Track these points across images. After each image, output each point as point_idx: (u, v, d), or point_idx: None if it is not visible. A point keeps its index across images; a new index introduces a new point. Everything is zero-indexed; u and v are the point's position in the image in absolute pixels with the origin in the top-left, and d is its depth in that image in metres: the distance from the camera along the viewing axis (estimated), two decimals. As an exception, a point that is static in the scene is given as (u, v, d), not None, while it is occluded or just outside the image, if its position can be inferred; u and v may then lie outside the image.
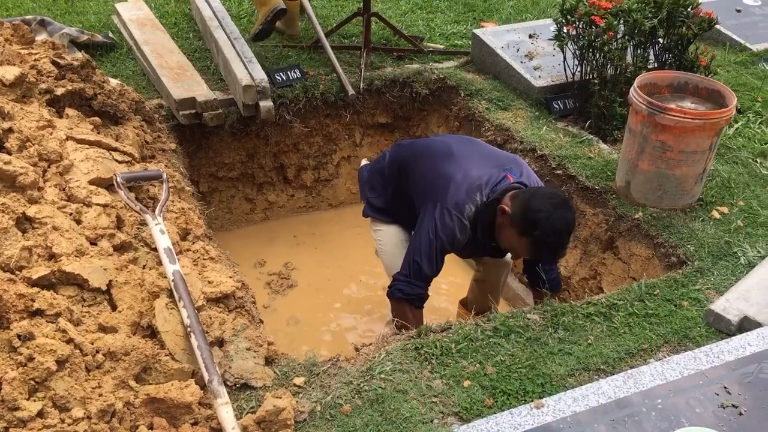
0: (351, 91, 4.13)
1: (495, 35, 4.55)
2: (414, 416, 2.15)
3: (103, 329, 2.07)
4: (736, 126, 3.83)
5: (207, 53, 4.40)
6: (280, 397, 2.11)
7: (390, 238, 3.02)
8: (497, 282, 3.26)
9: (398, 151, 3.00)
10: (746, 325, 2.43)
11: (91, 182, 2.55)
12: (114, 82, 3.41)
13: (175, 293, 2.22)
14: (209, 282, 2.45)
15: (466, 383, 2.27)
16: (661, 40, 3.80)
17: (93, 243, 2.32)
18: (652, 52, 3.88)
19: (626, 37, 3.71)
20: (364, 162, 3.26)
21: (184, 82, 3.88)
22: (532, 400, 2.09)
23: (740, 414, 1.92)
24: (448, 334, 2.48)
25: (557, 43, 3.82)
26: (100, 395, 1.91)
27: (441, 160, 2.74)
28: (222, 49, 4.05)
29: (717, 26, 4.27)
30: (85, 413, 1.85)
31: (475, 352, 2.40)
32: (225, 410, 1.97)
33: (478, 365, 2.35)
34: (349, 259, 4.25)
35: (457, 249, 2.76)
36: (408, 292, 2.72)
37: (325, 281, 4.07)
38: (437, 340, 2.44)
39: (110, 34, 4.50)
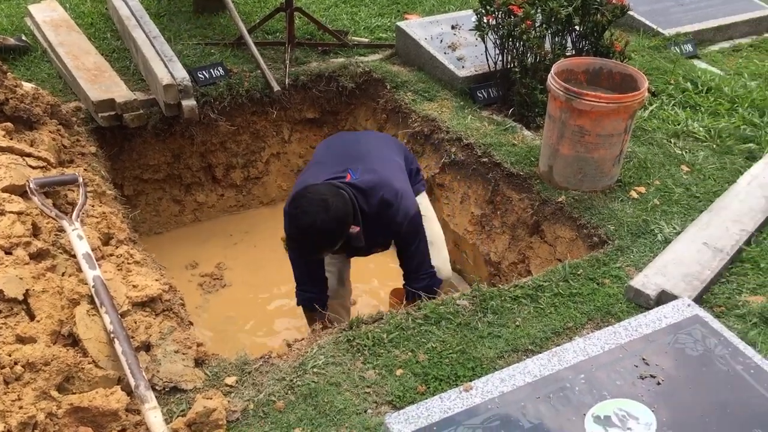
0: (276, 88, 4.10)
1: (418, 27, 4.59)
2: (348, 408, 2.16)
3: (21, 340, 2.00)
4: (650, 108, 3.97)
5: (126, 53, 4.29)
6: (211, 398, 2.08)
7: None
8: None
9: None
10: (664, 298, 2.53)
11: (4, 189, 2.46)
12: (28, 86, 3.29)
13: (96, 299, 2.16)
14: (134, 286, 2.40)
15: (399, 372, 2.30)
16: (577, 27, 3.91)
17: (8, 252, 2.23)
18: (569, 40, 3.98)
19: (544, 26, 3.80)
20: None
21: (102, 84, 3.78)
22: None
23: (658, 384, 2.00)
24: (379, 324, 2.50)
25: (478, 33, 3.88)
26: (21, 408, 1.85)
27: (308, 168, 2.93)
28: (141, 49, 3.95)
29: (630, 12, 4.44)
30: (5, 427, 1.79)
31: (407, 341, 2.42)
32: (153, 415, 1.94)
33: (410, 353, 2.37)
34: (282, 256, 4.22)
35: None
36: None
37: (258, 280, 4.04)
38: (369, 331, 2.46)
39: (23, 37, 4.33)
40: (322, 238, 2.54)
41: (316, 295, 2.96)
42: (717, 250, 2.77)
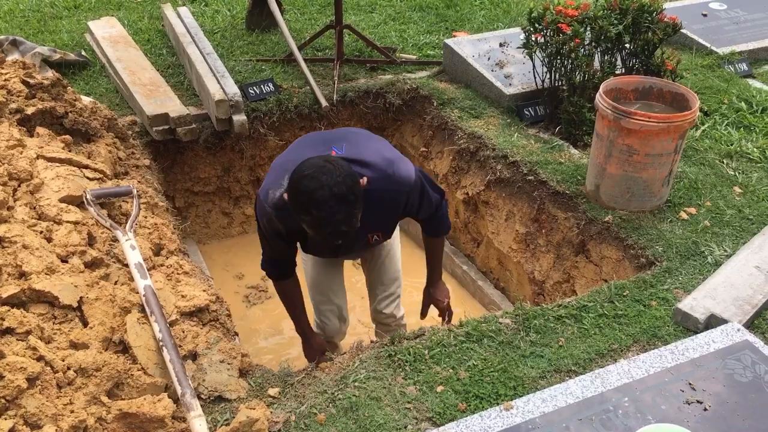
0: (324, 103, 4.17)
1: (467, 44, 4.60)
2: (388, 423, 2.17)
3: (74, 346, 2.07)
4: (702, 128, 3.90)
5: (180, 69, 4.42)
6: (254, 408, 2.12)
7: (312, 272, 2.95)
8: (381, 265, 2.99)
9: None
10: (713, 322, 2.48)
11: (62, 200, 2.55)
12: (86, 100, 3.43)
13: (146, 308, 2.23)
14: (183, 296, 2.47)
15: (440, 388, 2.30)
16: (627, 45, 3.87)
17: (64, 260, 2.32)
18: (619, 58, 3.95)
19: (593, 44, 3.78)
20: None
21: (157, 98, 3.90)
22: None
23: (705, 410, 1.96)
24: (421, 340, 2.51)
25: (526, 51, 3.88)
26: (72, 412, 1.91)
27: (284, 154, 2.51)
28: (195, 65, 4.07)
29: (683, 30, 4.37)
30: (56, 430, 1.85)
31: (448, 358, 2.42)
32: (198, 423, 1.98)
33: (451, 370, 2.37)
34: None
35: (287, 235, 2.46)
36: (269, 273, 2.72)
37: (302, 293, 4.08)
38: (410, 347, 2.46)
39: (83, 53, 4.51)
40: (343, 203, 2.05)
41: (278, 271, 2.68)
42: (770, 274, 2.70)
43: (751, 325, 2.50)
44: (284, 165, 2.34)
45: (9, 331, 1.97)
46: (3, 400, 1.83)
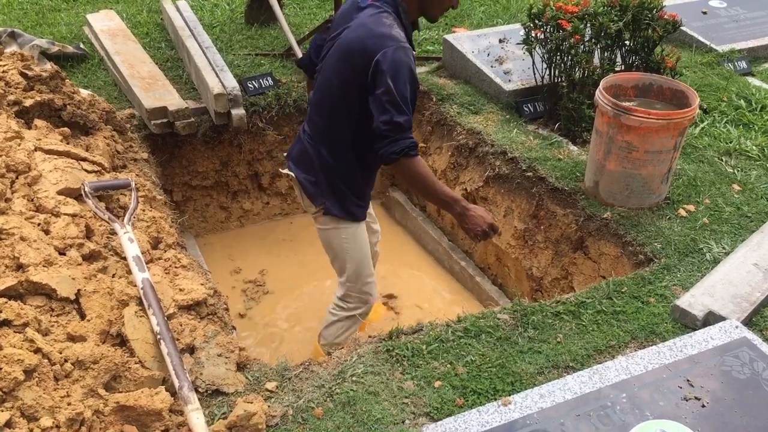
0: (323, 98, 4.15)
1: (466, 40, 4.60)
2: (385, 417, 2.16)
3: (71, 338, 2.07)
4: (701, 125, 3.90)
5: (179, 63, 4.40)
6: (252, 402, 2.11)
7: (358, 242, 2.96)
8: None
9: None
10: (711, 319, 2.48)
11: (60, 192, 2.55)
12: (85, 93, 3.41)
13: (144, 301, 2.22)
14: (180, 290, 2.46)
15: (437, 384, 2.30)
16: (627, 42, 3.87)
17: (62, 253, 2.32)
18: (619, 55, 3.94)
19: (593, 40, 3.77)
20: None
21: (155, 92, 3.89)
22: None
23: (702, 406, 1.96)
24: (419, 335, 2.51)
25: (526, 47, 3.88)
26: (69, 404, 1.91)
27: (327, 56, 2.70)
28: (194, 59, 4.06)
29: (683, 28, 4.37)
30: (53, 422, 1.85)
31: (446, 353, 2.42)
32: (196, 416, 1.97)
33: (448, 366, 2.37)
34: (324, 265, 4.26)
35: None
36: (412, 143, 2.54)
37: (300, 287, 4.09)
38: (408, 342, 2.46)
39: (81, 45, 4.49)
40: None
41: None
42: (768, 271, 2.70)
43: (749, 322, 2.50)
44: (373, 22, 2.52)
45: (6, 323, 1.97)
46: (0, 392, 1.82)
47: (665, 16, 3.80)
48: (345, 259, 2.97)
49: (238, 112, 3.85)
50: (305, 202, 2.93)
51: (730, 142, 3.74)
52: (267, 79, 4.22)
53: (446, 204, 2.68)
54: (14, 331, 1.96)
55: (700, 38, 4.98)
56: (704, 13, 5.33)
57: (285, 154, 3.02)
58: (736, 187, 3.37)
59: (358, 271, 2.99)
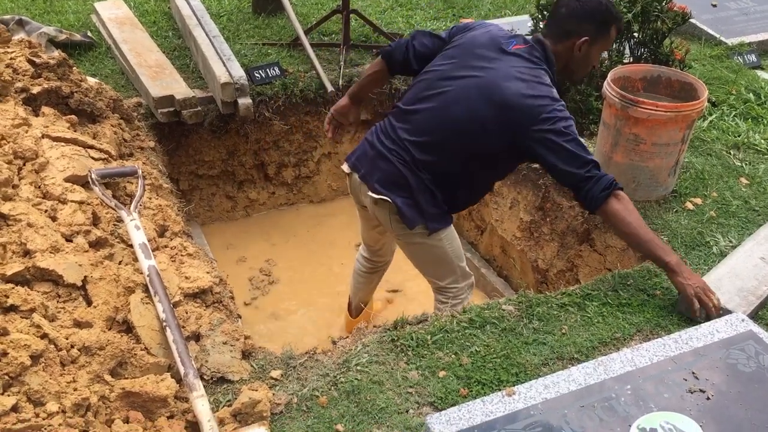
0: (330, 88, 4.15)
1: (473, 31, 4.57)
2: (389, 407, 2.17)
3: (78, 324, 2.07)
4: (710, 119, 3.88)
5: (186, 52, 4.40)
6: (256, 390, 2.12)
7: (455, 237, 2.84)
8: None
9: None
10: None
11: (67, 179, 2.55)
12: (92, 81, 3.41)
13: (150, 288, 2.23)
14: (186, 277, 2.47)
15: (442, 374, 2.30)
16: (636, 34, 3.84)
17: (68, 239, 2.32)
18: (627, 47, 3.92)
19: (601, 32, 3.74)
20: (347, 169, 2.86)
21: (162, 81, 3.89)
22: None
23: (707, 399, 1.96)
24: (424, 326, 2.51)
25: (534, 38, 3.85)
26: (75, 389, 1.92)
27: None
28: (201, 47, 4.05)
29: (692, 21, 4.34)
30: (59, 407, 1.86)
31: (451, 344, 2.42)
32: (201, 403, 1.98)
33: (453, 356, 2.37)
34: (330, 255, 4.28)
35: None
36: (613, 180, 2.47)
37: (306, 277, 4.09)
38: (413, 332, 2.46)
39: (89, 34, 4.49)
40: None
41: None
42: (775, 265, 2.69)
43: (755, 315, 2.49)
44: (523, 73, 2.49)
45: (13, 308, 1.98)
46: (6, 377, 1.83)
47: (675, 8, 3.77)
48: (451, 261, 2.87)
49: (244, 101, 3.85)
50: (396, 226, 2.73)
51: (739, 136, 3.72)
52: (274, 69, 4.21)
53: (662, 251, 2.48)
54: (21, 317, 1.97)
55: (710, 31, 4.95)
56: (714, 5, 5.30)
57: (359, 173, 2.77)
58: (743, 180, 3.35)
59: (461, 266, 2.91)
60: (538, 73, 2.49)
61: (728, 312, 2.39)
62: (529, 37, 2.63)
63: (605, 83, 3.12)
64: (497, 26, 2.69)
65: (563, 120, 2.42)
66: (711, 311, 2.38)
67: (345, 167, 2.83)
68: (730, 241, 2.93)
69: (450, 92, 2.55)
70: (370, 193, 2.70)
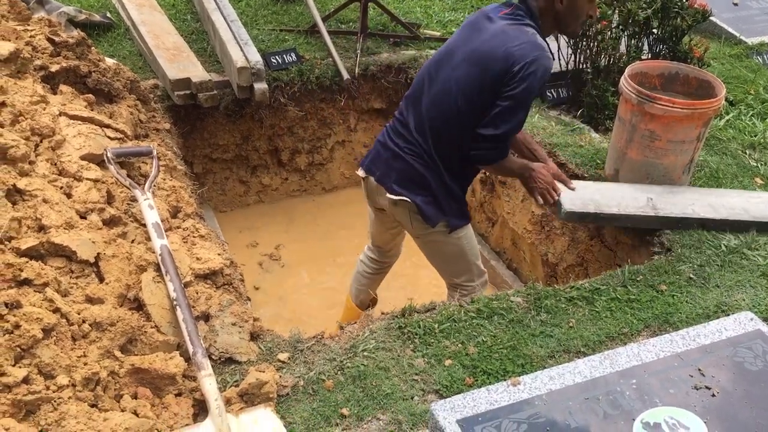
0: (346, 76, 4.15)
1: (491, 23, 4.55)
2: (395, 393, 2.19)
3: (90, 300, 2.10)
4: (727, 117, 3.85)
5: (204, 35, 4.41)
6: (264, 371, 2.14)
7: (472, 236, 2.91)
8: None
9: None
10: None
11: (83, 157, 2.58)
12: (110, 62, 3.44)
13: (162, 267, 2.25)
14: (197, 258, 2.49)
15: (448, 362, 2.31)
16: (655, 30, 3.82)
17: (82, 216, 2.35)
18: (646, 43, 3.90)
19: (620, 27, 3.73)
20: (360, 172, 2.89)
21: (179, 63, 3.91)
22: (511, 380, 2.13)
23: (713, 396, 1.95)
24: (431, 314, 2.52)
25: (551, 31, 3.83)
26: (85, 364, 1.94)
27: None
28: (218, 31, 4.06)
29: (713, 18, 4.30)
30: (69, 381, 1.89)
31: (458, 333, 2.43)
32: (208, 382, 2.00)
33: (460, 345, 2.38)
34: (340, 242, 4.29)
35: None
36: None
37: (315, 263, 4.11)
38: (421, 320, 2.47)
39: (108, 14, 4.51)
40: None
41: None
42: (786, 266, 2.68)
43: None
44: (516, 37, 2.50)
45: (27, 282, 2.00)
46: (18, 349, 1.86)
47: (695, 6, 3.74)
48: (468, 259, 2.89)
49: (260, 86, 3.86)
50: (417, 225, 2.76)
51: (755, 136, 3.69)
52: (291, 55, 4.22)
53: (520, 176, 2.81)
54: (34, 290, 2.00)
55: (730, 29, 4.90)
56: (735, 4, 5.24)
57: (374, 176, 2.79)
58: (758, 180, 3.33)
59: (477, 264, 2.93)
60: (520, 28, 2.52)
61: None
62: (515, 0, 2.65)
63: (622, 78, 3.10)
64: (496, 4, 2.70)
65: (536, 76, 2.48)
66: (548, 202, 2.84)
67: (360, 172, 2.86)
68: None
69: (441, 71, 2.64)
70: (388, 195, 2.71)
